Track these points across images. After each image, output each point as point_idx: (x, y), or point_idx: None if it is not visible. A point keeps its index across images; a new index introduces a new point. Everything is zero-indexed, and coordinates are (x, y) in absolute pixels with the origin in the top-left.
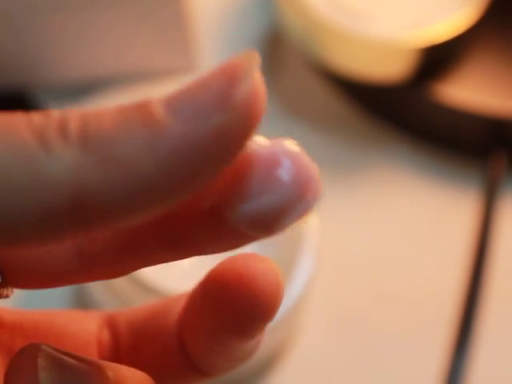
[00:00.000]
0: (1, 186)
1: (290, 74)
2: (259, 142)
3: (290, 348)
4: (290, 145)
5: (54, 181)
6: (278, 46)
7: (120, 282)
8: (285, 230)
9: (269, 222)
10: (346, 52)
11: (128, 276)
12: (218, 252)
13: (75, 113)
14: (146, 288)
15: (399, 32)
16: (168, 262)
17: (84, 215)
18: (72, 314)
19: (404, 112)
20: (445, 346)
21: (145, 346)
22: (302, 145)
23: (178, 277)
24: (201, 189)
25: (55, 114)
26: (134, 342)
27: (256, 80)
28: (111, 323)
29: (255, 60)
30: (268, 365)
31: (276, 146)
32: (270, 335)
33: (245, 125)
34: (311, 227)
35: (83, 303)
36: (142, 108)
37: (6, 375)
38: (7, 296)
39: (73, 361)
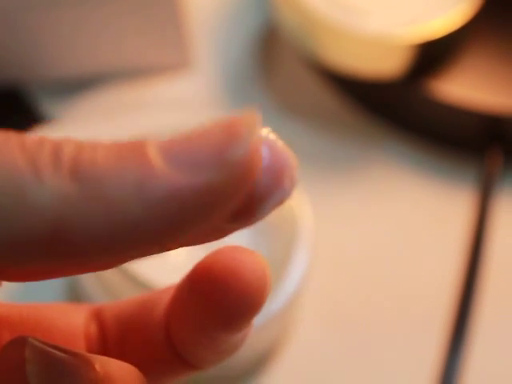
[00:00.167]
0: None
1: (286, 71)
2: None
3: (285, 344)
4: (267, 132)
5: (39, 208)
6: (273, 43)
7: (111, 276)
8: (261, 219)
9: (245, 211)
10: (342, 48)
11: (119, 270)
12: (199, 243)
13: (71, 142)
14: (136, 281)
15: (395, 28)
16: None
17: (61, 247)
18: (59, 307)
19: (399, 108)
20: (440, 342)
21: (132, 339)
22: (297, 141)
23: (168, 270)
24: (182, 238)
25: (50, 139)
26: (121, 334)
27: (255, 143)
28: (98, 316)
29: (257, 121)
30: (263, 361)
31: None
32: (264, 331)
33: (236, 185)
34: (306, 224)
35: (75, 297)
36: (138, 149)
37: None
38: None
39: (60, 353)
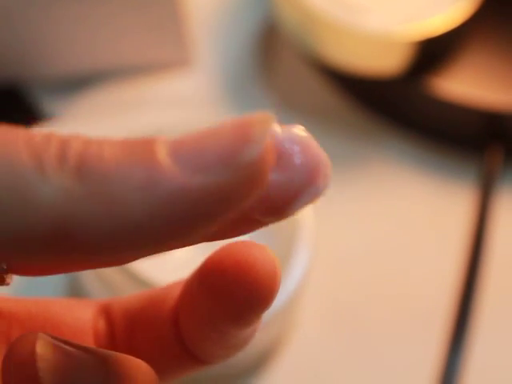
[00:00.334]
0: None
1: (285, 68)
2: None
3: (286, 343)
4: (300, 131)
5: (41, 204)
6: (273, 40)
7: (112, 274)
8: (293, 214)
9: (280, 206)
10: (342, 46)
11: (122, 268)
12: (230, 237)
13: (79, 138)
14: (139, 280)
15: (395, 25)
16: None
17: (64, 244)
18: (68, 302)
19: (400, 106)
20: (440, 340)
21: (141, 334)
22: None
23: (169, 268)
24: (190, 239)
25: (58, 135)
26: (129, 330)
27: (266, 146)
28: (106, 312)
29: (269, 123)
30: (263, 360)
31: (286, 132)
32: (265, 330)
33: (245, 188)
34: (307, 221)
35: (75, 294)
36: (147, 147)
37: (4, 363)
38: (8, 283)
39: (71, 349)
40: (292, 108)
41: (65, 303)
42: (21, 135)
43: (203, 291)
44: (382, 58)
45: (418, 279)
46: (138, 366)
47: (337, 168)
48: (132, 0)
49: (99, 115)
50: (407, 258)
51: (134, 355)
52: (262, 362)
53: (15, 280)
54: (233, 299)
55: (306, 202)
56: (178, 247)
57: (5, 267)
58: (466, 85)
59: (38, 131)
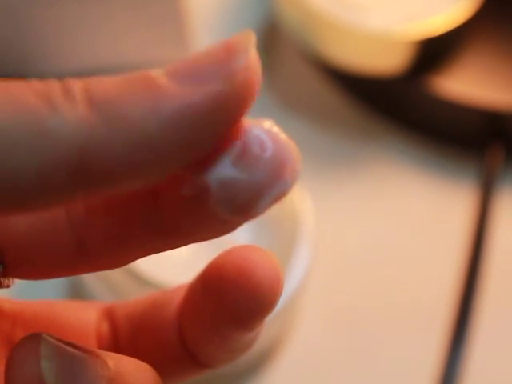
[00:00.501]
0: (1, 141)
1: (287, 67)
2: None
3: (286, 341)
4: (270, 125)
5: (60, 137)
6: (274, 38)
7: (116, 275)
8: (262, 212)
9: (247, 203)
10: (343, 45)
11: (124, 268)
12: (206, 239)
13: (77, 79)
14: (141, 280)
15: (396, 24)
16: (162, 251)
17: (86, 174)
18: (71, 304)
19: (400, 105)
20: (441, 339)
21: (144, 338)
22: (298, 137)
23: (173, 269)
24: (197, 156)
25: (55, 80)
26: (132, 334)
27: (253, 55)
28: (110, 315)
29: (252, 38)
30: (264, 359)
31: (255, 126)
32: (266, 329)
33: (243, 94)
34: (307, 220)
35: (79, 295)
36: (144, 75)
37: (8, 364)
38: (8, 286)
39: (75, 350)
40: (293, 106)
41: (69, 305)
42: (21, 83)
43: (206, 296)
44: (383, 57)
45: (418, 279)
46: (141, 368)
47: (337, 167)
48: None
49: None
50: (407, 257)
51: (136, 358)
52: (262, 361)
53: (17, 283)
54: (236, 304)
55: (275, 198)
56: (192, 160)
57: (1, 270)
58: (467, 84)
59: (35, 80)
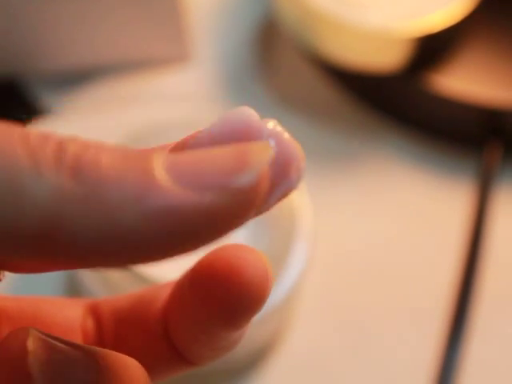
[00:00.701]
0: None
1: (285, 64)
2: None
3: (284, 337)
4: (273, 125)
5: (34, 201)
6: (272, 36)
7: (112, 271)
8: (268, 209)
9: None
10: (341, 42)
11: None
12: None
13: (76, 141)
14: (137, 277)
15: (394, 22)
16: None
17: (52, 244)
18: (57, 301)
19: (399, 102)
20: (439, 335)
21: (129, 335)
22: (296, 135)
23: (170, 266)
24: (175, 255)
25: (56, 136)
26: (118, 330)
27: (263, 174)
28: (95, 311)
29: (269, 153)
30: (261, 355)
31: (260, 125)
32: (263, 325)
33: (238, 213)
34: (305, 217)
35: (74, 290)
36: (144, 159)
37: None
38: None
39: (62, 345)
40: (291, 104)
41: (54, 301)
42: (17, 133)
43: (194, 293)
44: (381, 54)
45: (415, 275)
46: (129, 363)
47: (335, 164)
48: None
49: (98, 110)
50: (405, 253)
51: None
52: (260, 356)
53: (12, 278)
54: (223, 302)
55: (280, 196)
56: (160, 260)
57: None
58: (465, 81)
59: (35, 130)
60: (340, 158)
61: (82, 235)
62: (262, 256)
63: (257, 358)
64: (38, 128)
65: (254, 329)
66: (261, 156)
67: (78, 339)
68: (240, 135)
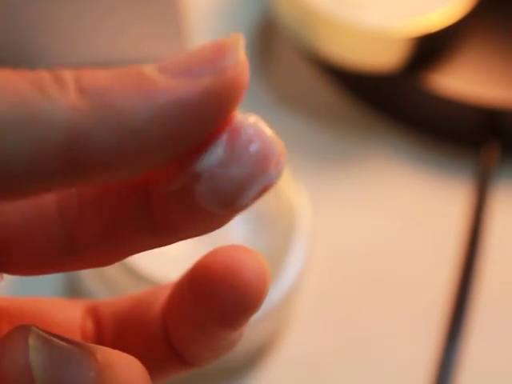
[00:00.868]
0: None
1: (283, 63)
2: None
3: (283, 337)
4: (254, 119)
5: (50, 120)
6: (270, 35)
7: (111, 270)
8: (248, 205)
9: (232, 196)
10: (339, 41)
11: (119, 264)
12: (196, 235)
13: (68, 69)
14: (138, 277)
15: (392, 21)
16: (153, 248)
17: (75, 161)
18: (57, 301)
19: (397, 101)
20: (437, 334)
21: (128, 336)
22: (294, 134)
23: (170, 265)
24: (186, 148)
25: (46, 70)
26: (117, 332)
27: (241, 55)
28: (94, 313)
29: (241, 40)
30: (260, 354)
31: (241, 120)
32: (262, 324)
33: (232, 89)
34: (304, 216)
35: (76, 292)
36: (136, 69)
37: None
38: None
39: (63, 343)
40: (289, 103)
41: (54, 302)
42: (12, 71)
43: (192, 294)
44: (379, 53)
45: (414, 274)
46: (129, 361)
47: (333, 163)
48: None
49: None
50: (403, 252)
51: None
52: (258, 356)
53: (11, 280)
54: (222, 303)
55: (259, 191)
56: (179, 155)
57: None
58: (463, 81)
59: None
60: (338, 158)
61: (101, 143)
62: (260, 257)
63: (255, 358)
64: None
65: (253, 328)
66: (236, 41)
67: (77, 339)
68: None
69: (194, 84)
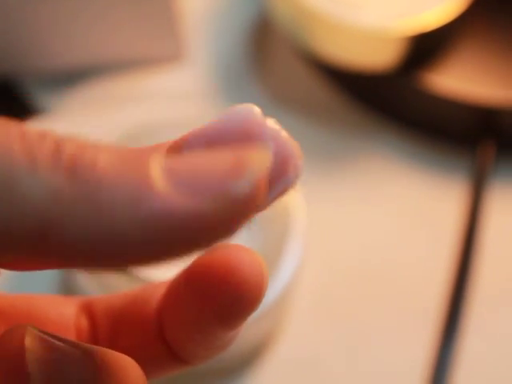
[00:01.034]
0: None
1: (279, 63)
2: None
3: (278, 336)
4: (271, 123)
5: (29, 200)
6: (267, 35)
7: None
8: (267, 207)
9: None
10: (335, 41)
11: None
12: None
13: (74, 140)
14: (133, 277)
15: (388, 21)
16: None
17: (44, 245)
18: (51, 298)
19: (392, 101)
20: (433, 333)
21: (123, 334)
22: (291, 133)
23: (166, 266)
24: (173, 259)
25: (54, 135)
26: (112, 329)
27: (261, 182)
28: (88, 309)
29: (268, 160)
30: (256, 354)
31: (263, 125)
32: (257, 324)
33: (235, 219)
34: (299, 216)
35: (68, 289)
36: (142, 161)
37: None
38: None
39: (60, 343)
40: (285, 103)
41: (48, 299)
42: (15, 129)
43: (189, 292)
44: (375, 53)
45: (410, 273)
46: (125, 362)
47: (329, 163)
48: None
49: (92, 109)
50: (399, 252)
51: None
52: (254, 355)
53: (6, 276)
54: (219, 301)
55: (278, 194)
56: (154, 264)
57: None
58: (459, 80)
59: (33, 128)
60: (334, 157)
61: (75, 236)
62: (257, 256)
63: (251, 357)
64: (34, 127)
65: (248, 328)
66: (260, 164)
67: (71, 337)
68: (242, 135)
69: (193, 205)
